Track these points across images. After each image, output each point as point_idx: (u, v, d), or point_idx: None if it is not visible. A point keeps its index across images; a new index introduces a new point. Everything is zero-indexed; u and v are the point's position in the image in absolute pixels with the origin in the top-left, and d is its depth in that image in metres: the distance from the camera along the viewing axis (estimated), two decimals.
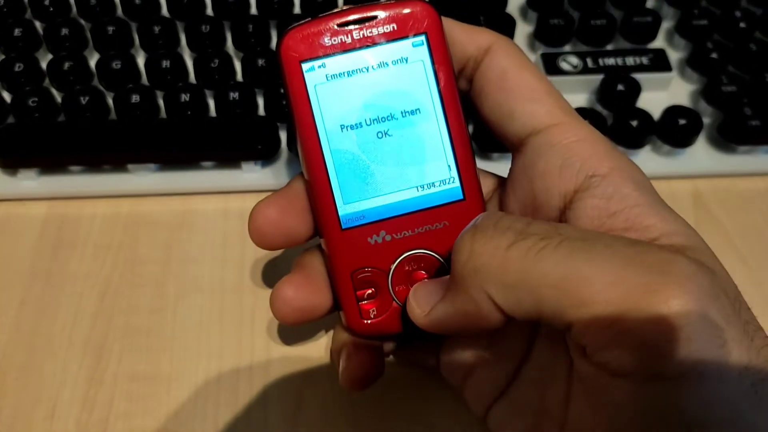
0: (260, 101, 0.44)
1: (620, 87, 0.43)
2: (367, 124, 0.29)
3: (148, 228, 0.41)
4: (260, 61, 0.43)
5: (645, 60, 0.46)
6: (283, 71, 0.29)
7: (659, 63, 0.46)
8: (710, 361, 0.21)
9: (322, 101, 0.29)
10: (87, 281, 0.39)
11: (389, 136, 0.29)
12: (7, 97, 0.43)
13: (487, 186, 0.32)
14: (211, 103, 0.43)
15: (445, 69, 0.29)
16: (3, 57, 0.44)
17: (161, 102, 0.43)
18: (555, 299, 0.22)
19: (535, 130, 0.28)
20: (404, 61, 0.29)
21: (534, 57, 0.47)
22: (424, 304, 0.27)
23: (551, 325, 0.23)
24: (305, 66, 0.28)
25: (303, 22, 0.29)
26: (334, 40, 0.28)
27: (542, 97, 0.28)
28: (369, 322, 0.30)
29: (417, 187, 0.29)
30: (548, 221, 0.25)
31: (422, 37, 0.29)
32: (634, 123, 0.42)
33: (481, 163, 0.39)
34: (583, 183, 0.27)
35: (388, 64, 0.29)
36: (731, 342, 0.21)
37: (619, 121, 0.42)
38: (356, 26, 0.28)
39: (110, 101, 0.43)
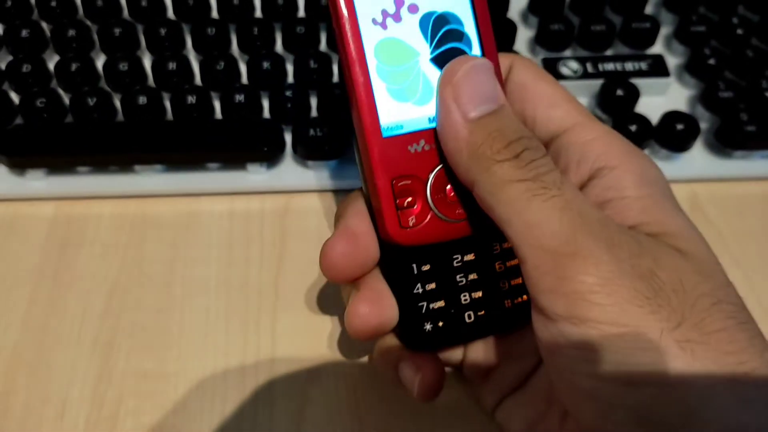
0: (265, 103, 0.44)
1: (619, 92, 0.44)
2: (409, 38, 0.30)
3: (154, 228, 0.42)
4: (265, 64, 0.44)
5: (644, 65, 0.46)
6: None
7: (658, 68, 0.46)
8: (627, 315, 0.23)
9: (366, 12, 0.29)
10: (95, 280, 0.39)
11: (431, 51, 0.30)
12: (15, 98, 0.44)
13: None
14: (217, 105, 0.44)
15: (483, 3, 0.30)
16: (11, 58, 0.45)
17: (168, 104, 0.43)
18: (521, 232, 0.25)
19: (556, 134, 0.30)
20: None
21: (535, 61, 0.47)
22: (469, 106, 0.28)
23: (506, 239, 0.26)
24: None
25: None
26: None
27: (560, 103, 0.31)
28: (408, 230, 0.30)
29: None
30: (563, 177, 0.26)
31: None
32: (633, 127, 0.43)
33: None
34: (593, 174, 0.29)
35: None
36: (655, 305, 0.23)
37: (618, 125, 0.43)
38: None
39: (117, 102, 0.43)
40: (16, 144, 0.41)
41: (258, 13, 0.48)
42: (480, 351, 0.33)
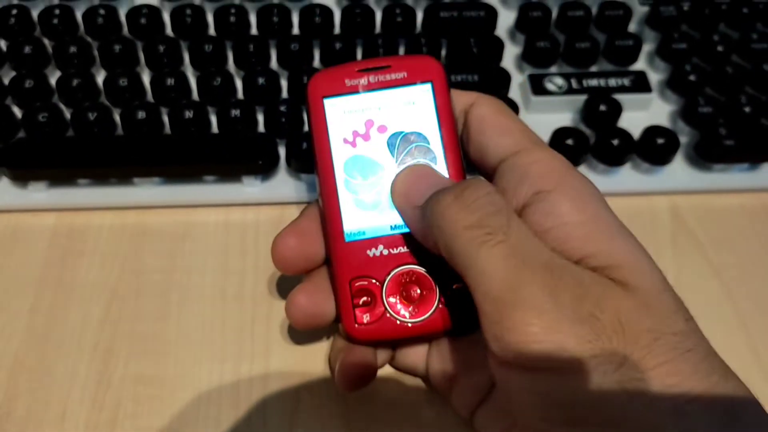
0: (260, 118, 0.45)
1: (603, 107, 0.45)
2: (376, 155, 0.33)
3: (152, 238, 0.43)
4: (260, 80, 0.45)
5: (626, 81, 0.48)
6: (308, 105, 0.34)
7: (640, 84, 0.48)
8: (569, 360, 0.24)
9: (338, 132, 0.33)
10: (94, 289, 0.40)
11: (395, 165, 0.33)
12: (18, 112, 0.45)
13: None
14: (214, 119, 0.45)
15: (447, 112, 0.33)
16: (14, 74, 0.46)
17: (166, 118, 0.45)
18: (474, 284, 0.26)
19: (503, 158, 0.31)
20: (412, 103, 0.33)
21: (521, 77, 0.49)
22: (407, 193, 0.32)
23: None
24: (327, 101, 0.33)
25: (330, 67, 0.34)
26: (353, 82, 0.33)
27: (512, 132, 0.32)
28: (361, 327, 0.32)
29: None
30: (510, 218, 0.27)
31: (428, 85, 0.33)
32: (616, 142, 0.44)
33: None
34: (530, 199, 0.29)
35: (397, 105, 0.33)
36: (599, 350, 0.24)
37: (601, 139, 0.44)
38: (373, 72, 0.33)
39: (117, 117, 0.45)
40: (19, 157, 0.42)
41: (254, 31, 0.49)
42: (440, 361, 0.34)
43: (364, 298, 0.32)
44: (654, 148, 0.44)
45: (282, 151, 0.44)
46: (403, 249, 0.33)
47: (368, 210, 0.33)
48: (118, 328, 0.39)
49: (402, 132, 0.33)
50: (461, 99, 0.34)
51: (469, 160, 0.34)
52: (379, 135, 0.33)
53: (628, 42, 0.49)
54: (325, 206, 0.33)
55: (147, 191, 0.44)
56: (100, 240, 0.43)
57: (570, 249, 0.27)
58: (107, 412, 0.36)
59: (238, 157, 0.43)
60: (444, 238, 0.28)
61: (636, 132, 0.45)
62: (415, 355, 0.35)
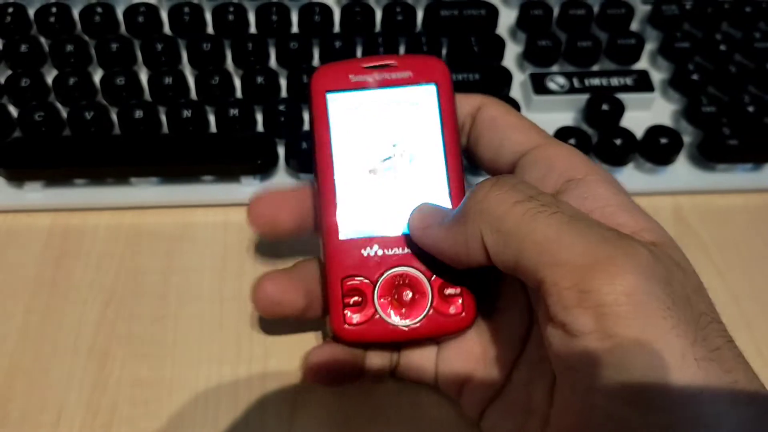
0: (259, 117, 0.45)
1: (605, 106, 0.45)
2: (376, 151, 0.33)
3: (149, 239, 0.42)
4: (259, 79, 0.45)
5: (629, 81, 0.47)
6: (310, 99, 0.33)
7: (642, 84, 0.47)
8: (653, 328, 0.23)
9: (339, 128, 0.33)
10: (91, 290, 0.40)
11: (395, 164, 0.33)
12: (14, 111, 0.44)
13: None
14: (212, 118, 0.45)
15: (450, 115, 0.33)
16: (10, 72, 0.46)
17: (163, 117, 0.44)
18: (535, 254, 0.25)
19: (523, 153, 0.32)
20: (415, 104, 0.33)
21: (523, 77, 0.48)
22: (425, 218, 0.31)
23: (525, 277, 0.26)
24: (330, 96, 0.33)
25: (335, 62, 0.34)
26: (358, 78, 0.33)
27: (526, 129, 0.32)
28: (350, 327, 0.32)
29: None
30: (555, 196, 0.28)
31: (433, 86, 0.33)
32: (618, 141, 0.43)
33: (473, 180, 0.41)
34: (562, 186, 0.30)
35: (400, 104, 0.33)
36: (676, 318, 0.23)
37: (603, 139, 0.44)
38: (378, 69, 0.33)
39: (114, 116, 0.44)
40: (15, 156, 0.42)
41: (252, 29, 0.49)
42: (451, 361, 0.34)
43: (355, 298, 0.32)
44: (657, 147, 0.44)
45: (281, 151, 0.44)
46: (399, 251, 0.32)
47: (366, 208, 0.33)
48: (115, 330, 0.38)
49: (404, 134, 0.33)
50: (467, 102, 0.34)
51: (476, 160, 0.34)
52: (382, 134, 0.33)
53: (631, 41, 0.48)
54: (321, 201, 0.33)
55: (144, 191, 0.43)
56: (97, 241, 0.42)
57: (619, 224, 0.27)
58: (103, 415, 0.35)
59: (236, 156, 0.42)
60: (491, 219, 0.27)
61: (638, 132, 0.44)
62: (422, 359, 0.34)
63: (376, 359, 0.34)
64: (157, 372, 0.37)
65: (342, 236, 0.32)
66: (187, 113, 0.43)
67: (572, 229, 0.25)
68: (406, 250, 0.32)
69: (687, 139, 0.45)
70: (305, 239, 0.36)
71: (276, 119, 0.44)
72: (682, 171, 0.45)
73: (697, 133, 0.46)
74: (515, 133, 0.32)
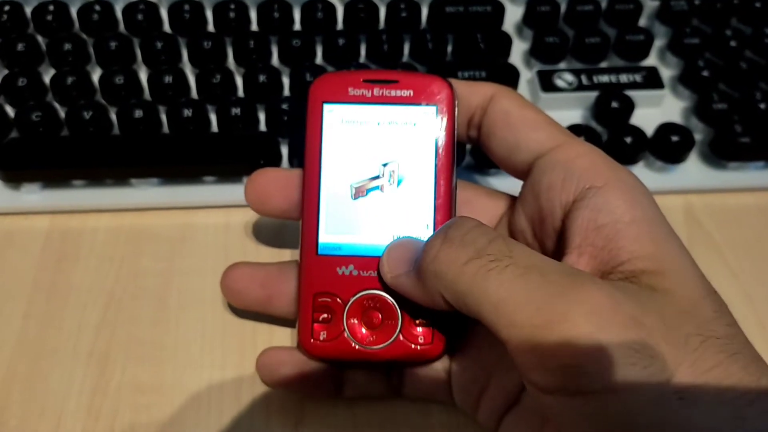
0: (261, 116, 0.44)
1: (614, 104, 0.44)
2: (365, 169, 0.32)
3: (150, 241, 0.41)
4: (261, 77, 0.44)
5: (638, 77, 0.47)
6: (307, 107, 0.33)
7: (652, 80, 0.47)
8: (621, 378, 0.22)
9: (331, 140, 0.32)
10: (90, 293, 0.39)
11: (382, 184, 0.32)
12: (11, 111, 0.44)
13: (498, 204, 0.35)
14: (213, 118, 0.44)
15: (448, 140, 0.32)
16: (6, 72, 0.45)
17: (164, 117, 0.43)
18: (493, 317, 0.25)
19: (540, 154, 0.30)
20: (413, 124, 0.32)
21: (530, 74, 0.48)
22: (394, 267, 0.30)
23: (492, 332, 0.25)
24: (326, 107, 0.32)
25: (336, 71, 0.33)
26: (357, 92, 0.32)
27: (543, 126, 0.31)
28: (316, 343, 0.32)
29: (394, 237, 0.32)
30: (508, 241, 0.26)
31: (433, 108, 0.32)
32: (628, 139, 0.43)
33: (481, 179, 0.40)
34: (581, 194, 0.29)
35: (397, 124, 0.32)
36: (648, 358, 0.23)
37: (613, 137, 0.43)
38: (379, 84, 0.32)
39: (113, 116, 0.43)
40: (12, 157, 0.41)
41: (254, 27, 0.48)
42: (465, 372, 0.33)
43: (325, 315, 0.32)
44: (668, 145, 0.43)
45: (284, 151, 0.43)
46: (374, 273, 0.32)
47: (347, 226, 0.32)
48: (115, 334, 0.38)
49: (397, 155, 0.32)
50: (478, 91, 0.33)
51: (489, 155, 0.33)
52: (373, 152, 0.32)
53: (639, 37, 0.47)
54: (303, 212, 0.33)
55: (144, 192, 0.42)
56: (96, 243, 0.41)
57: (619, 247, 0.27)
58: (103, 421, 0.35)
59: (238, 156, 0.42)
60: (445, 283, 0.26)
61: (649, 129, 0.44)
62: (432, 376, 0.33)
63: (360, 377, 0.34)
64: (158, 377, 0.36)
65: (319, 251, 0.32)
66: (187, 112, 0.43)
67: (526, 284, 0.24)
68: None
69: (698, 136, 0.45)
70: None
71: (278, 118, 0.43)
72: (693, 169, 0.45)
73: (709, 130, 0.45)
74: (531, 131, 0.31)
